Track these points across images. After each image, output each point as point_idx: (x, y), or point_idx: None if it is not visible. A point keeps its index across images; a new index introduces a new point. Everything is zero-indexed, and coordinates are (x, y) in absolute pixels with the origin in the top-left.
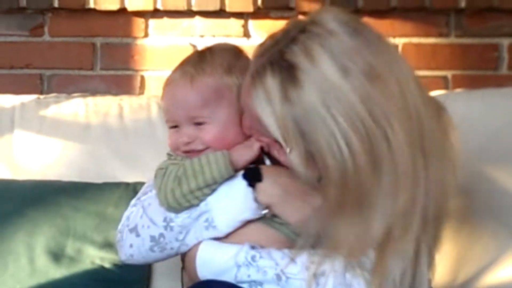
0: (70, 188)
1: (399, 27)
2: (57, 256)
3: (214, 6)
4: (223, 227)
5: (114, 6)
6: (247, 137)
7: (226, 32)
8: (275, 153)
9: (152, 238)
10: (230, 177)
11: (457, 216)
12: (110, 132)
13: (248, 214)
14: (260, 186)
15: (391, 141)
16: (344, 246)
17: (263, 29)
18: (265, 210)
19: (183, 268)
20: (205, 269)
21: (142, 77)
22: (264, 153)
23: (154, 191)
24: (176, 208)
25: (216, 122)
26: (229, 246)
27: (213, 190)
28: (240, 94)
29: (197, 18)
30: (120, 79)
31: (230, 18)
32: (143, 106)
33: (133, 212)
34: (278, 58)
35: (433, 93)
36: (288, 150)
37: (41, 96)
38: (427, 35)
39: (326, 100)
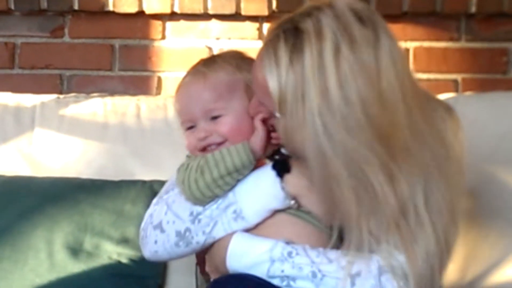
0: (89, 185)
1: (410, 31)
2: (75, 251)
3: (230, 9)
4: (252, 217)
5: (133, 9)
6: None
7: (241, 35)
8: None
9: (178, 233)
10: (258, 169)
11: (466, 216)
12: (127, 131)
13: (276, 204)
14: (288, 177)
15: (362, 125)
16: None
17: None
18: (292, 200)
19: (197, 264)
20: (236, 262)
21: (159, 78)
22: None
23: (176, 190)
24: (201, 199)
25: (231, 113)
26: (263, 240)
27: (237, 181)
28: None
29: (213, 21)
30: (138, 79)
31: (246, 21)
32: (160, 106)
33: (156, 210)
34: (292, 27)
35: (443, 96)
36: (277, 115)
37: (61, 96)
38: (438, 39)
39: (315, 74)
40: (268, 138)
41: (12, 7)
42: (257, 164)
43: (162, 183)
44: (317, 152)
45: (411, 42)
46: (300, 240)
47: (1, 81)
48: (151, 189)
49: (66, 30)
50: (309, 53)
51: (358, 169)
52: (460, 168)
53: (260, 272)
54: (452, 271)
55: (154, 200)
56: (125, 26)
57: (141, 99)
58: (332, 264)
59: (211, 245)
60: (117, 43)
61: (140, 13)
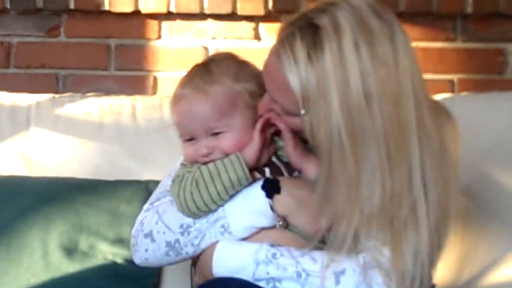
0: (84, 185)
1: (406, 31)
2: (70, 251)
3: (226, 9)
4: (239, 233)
5: (128, 8)
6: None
7: (237, 34)
8: (284, 124)
9: (168, 244)
10: (248, 185)
11: (462, 217)
12: (123, 131)
13: (264, 223)
14: (277, 197)
15: (376, 123)
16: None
17: (274, 32)
18: (280, 221)
19: (192, 264)
20: (221, 267)
21: (155, 78)
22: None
23: (168, 198)
24: (196, 213)
25: (233, 129)
26: (247, 244)
27: (231, 196)
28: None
29: (209, 20)
30: (134, 79)
31: (242, 21)
32: (156, 106)
33: (146, 217)
34: (307, 24)
35: (440, 96)
36: (302, 112)
37: (56, 95)
38: (434, 39)
39: (336, 68)
40: (263, 147)
41: (8, 6)
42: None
43: (157, 182)
44: (338, 147)
45: None
46: (286, 245)
47: None
48: (147, 189)
49: (62, 30)
50: (328, 48)
51: (369, 164)
52: (455, 172)
53: (246, 275)
54: (448, 272)
55: (145, 206)
56: (121, 25)
57: (137, 99)
58: (317, 264)
59: (198, 258)
60: (113, 42)
61: (136, 13)
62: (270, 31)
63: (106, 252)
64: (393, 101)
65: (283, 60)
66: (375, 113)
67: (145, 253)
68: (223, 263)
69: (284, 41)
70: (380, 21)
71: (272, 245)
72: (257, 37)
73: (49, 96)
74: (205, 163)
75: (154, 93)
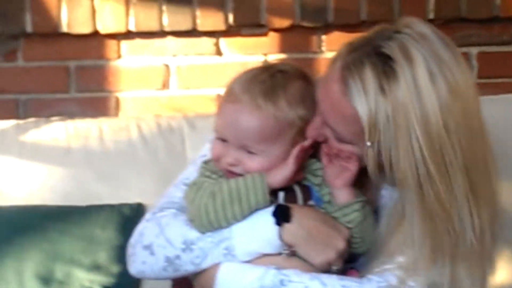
0: (56, 212)
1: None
2: (46, 280)
3: (186, 25)
4: (242, 257)
5: (87, 29)
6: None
7: (198, 51)
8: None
9: (167, 259)
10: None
11: None
12: (91, 154)
13: (270, 250)
14: (286, 226)
15: (458, 156)
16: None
17: (235, 47)
18: (287, 249)
19: (173, 286)
20: None
21: (117, 98)
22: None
23: (172, 210)
24: (205, 226)
25: (267, 156)
26: (252, 267)
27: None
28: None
29: (169, 38)
30: (95, 101)
31: (202, 37)
32: (123, 127)
33: (147, 228)
34: (375, 52)
35: None
36: (368, 143)
37: (20, 122)
38: None
39: (413, 100)
40: (295, 174)
41: None
42: None
43: (130, 206)
44: (413, 182)
45: None
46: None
47: None
48: (120, 213)
49: (19, 54)
50: (403, 80)
51: (457, 199)
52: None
53: None
54: None
55: (147, 216)
56: (80, 47)
57: (103, 121)
58: None
59: (198, 273)
60: (72, 64)
61: (95, 33)
62: (232, 46)
63: (83, 280)
64: (470, 132)
65: (351, 88)
66: (455, 145)
67: (142, 265)
68: (227, 286)
69: (352, 68)
70: (448, 49)
71: (279, 269)
72: (218, 52)
73: (12, 122)
74: (227, 171)
75: (117, 114)
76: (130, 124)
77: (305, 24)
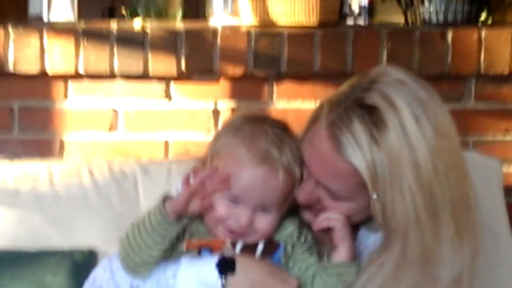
0: (5, 256)
1: (320, 91)
2: None
3: (137, 70)
4: None
5: (34, 69)
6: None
7: (148, 95)
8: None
9: None
10: (202, 258)
11: None
12: (41, 198)
13: None
14: (231, 278)
15: (446, 196)
16: None
17: (185, 92)
18: None
19: None
20: None
21: (62, 141)
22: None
23: None
24: (135, 270)
25: (277, 215)
26: None
27: (161, 251)
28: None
29: (119, 81)
30: (39, 142)
31: (152, 81)
32: (73, 171)
33: (99, 273)
34: (359, 104)
35: None
36: (374, 196)
37: None
38: None
39: (404, 147)
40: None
41: None
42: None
43: (81, 252)
44: (415, 226)
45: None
46: None
47: None
48: (71, 259)
49: None
50: (392, 127)
51: (444, 241)
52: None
53: None
54: None
55: (104, 260)
56: (26, 87)
57: (52, 164)
58: None
59: None
60: (16, 104)
61: (42, 74)
62: (182, 91)
63: None
64: (456, 170)
65: (344, 144)
66: (444, 185)
67: None
68: None
69: (339, 124)
70: (425, 90)
71: None
72: (168, 96)
73: None
74: (231, 230)
75: (61, 156)
76: (81, 168)
77: (258, 73)
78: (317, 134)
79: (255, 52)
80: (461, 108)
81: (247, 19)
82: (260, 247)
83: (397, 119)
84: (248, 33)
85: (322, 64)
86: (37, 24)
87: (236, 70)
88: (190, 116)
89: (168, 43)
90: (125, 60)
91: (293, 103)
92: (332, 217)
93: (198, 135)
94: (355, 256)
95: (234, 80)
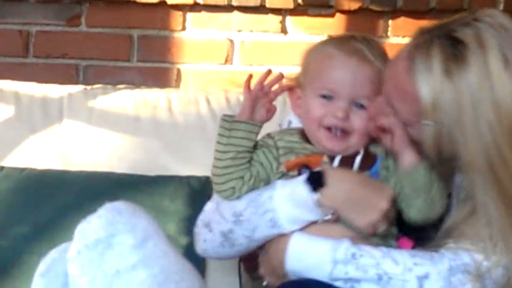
0: (125, 180)
1: None
2: None
3: (254, 1)
4: (288, 227)
5: None
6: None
7: (263, 27)
8: (391, 139)
9: (222, 234)
10: (293, 178)
11: None
12: (160, 125)
13: (311, 217)
14: (324, 190)
15: None
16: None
17: (301, 26)
18: (329, 214)
19: (240, 261)
20: (296, 263)
21: (179, 70)
22: None
23: None
24: (219, 186)
25: (367, 110)
26: (323, 240)
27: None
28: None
29: (235, 12)
30: (156, 71)
31: (269, 14)
32: (192, 100)
33: (207, 206)
34: (448, 35)
35: None
36: (426, 123)
37: (88, 87)
38: None
39: (484, 86)
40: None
41: None
42: (314, 158)
43: (198, 178)
44: (485, 166)
45: None
46: (336, 238)
47: (15, 70)
48: (189, 185)
49: (82, 19)
50: (474, 65)
51: None
52: None
53: (322, 274)
54: None
55: (214, 195)
56: (145, 16)
57: (171, 92)
58: (399, 266)
59: (266, 247)
60: (135, 33)
61: (161, 3)
62: (297, 25)
63: None
64: None
65: (417, 66)
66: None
67: (204, 243)
68: (298, 259)
69: (422, 47)
70: None
71: (352, 243)
72: (283, 30)
73: (80, 87)
74: (328, 126)
75: (178, 86)
76: (199, 97)
77: (374, 7)
78: (401, 52)
79: None
80: None
81: None
82: (358, 160)
83: (483, 57)
84: None
85: (439, 0)
86: None
87: (352, 4)
88: (304, 49)
89: None
90: None
91: (408, 39)
92: (393, 121)
93: None
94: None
95: (349, 14)
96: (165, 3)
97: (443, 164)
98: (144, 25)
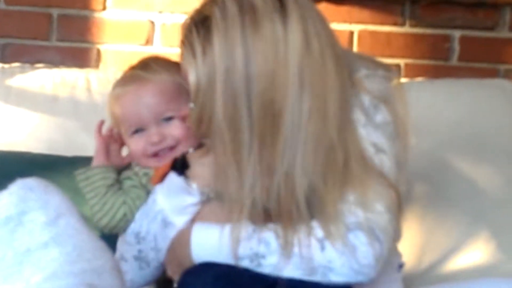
0: (41, 160)
1: (356, 15)
2: None
3: None
4: (177, 220)
5: None
6: None
7: (184, 9)
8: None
9: (135, 258)
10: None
11: (421, 202)
12: (78, 105)
13: (192, 199)
14: (189, 171)
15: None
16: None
17: None
18: (206, 193)
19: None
20: (201, 250)
21: (98, 51)
22: None
23: None
24: (116, 222)
25: (181, 118)
26: (224, 223)
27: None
28: None
29: None
30: (76, 51)
31: None
32: (111, 80)
33: (118, 242)
34: (200, 16)
35: None
36: (192, 105)
37: (5, 66)
38: (382, 23)
39: (223, 57)
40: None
41: None
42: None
43: None
44: (218, 136)
45: (356, 25)
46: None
47: None
48: None
49: None
50: (216, 39)
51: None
52: (405, 130)
53: (227, 255)
54: (409, 257)
55: None
56: None
57: (90, 72)
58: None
59: (169, 246)
60: (55, 12)
61: None
62: None
63: None
64: (271, 78)
65: (185, 57)
66: (252, 95)
67: (127, 275)
68: (202, 246)
69: (184, 38)
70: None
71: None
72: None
73: None
74: (155, 154)
75: (97, 66)
76: (119, 77)
77: None
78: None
79: None
80: (495, 37)
81: None
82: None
83: (225, 29)
84: None
85: None
86: None
87: None
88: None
89: None
90: None
91: None
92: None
93: None
94: None
95: None
96: None
97: None
98: (64, 4)
